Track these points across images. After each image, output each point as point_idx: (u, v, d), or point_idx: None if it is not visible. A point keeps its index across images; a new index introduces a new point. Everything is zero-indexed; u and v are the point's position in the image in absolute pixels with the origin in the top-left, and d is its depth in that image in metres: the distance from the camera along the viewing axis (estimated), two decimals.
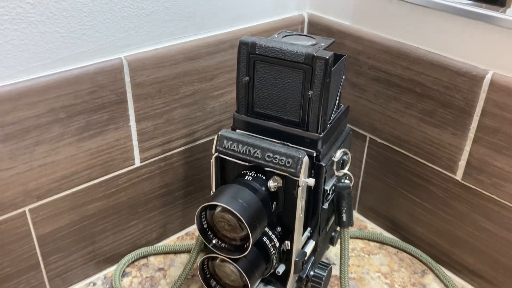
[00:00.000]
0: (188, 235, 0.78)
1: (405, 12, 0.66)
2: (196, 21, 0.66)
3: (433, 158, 0.68)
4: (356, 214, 0.84)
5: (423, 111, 0.67)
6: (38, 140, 0.56)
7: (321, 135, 0.55)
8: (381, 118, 0.73)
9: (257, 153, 0.55)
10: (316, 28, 0.78)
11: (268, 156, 0.54)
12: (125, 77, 0.61)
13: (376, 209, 0.80)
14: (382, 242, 0.77)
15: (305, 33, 0.79)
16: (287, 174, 0.54)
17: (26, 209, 0.58)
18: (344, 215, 0.61)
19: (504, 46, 0.58)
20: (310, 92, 0.53)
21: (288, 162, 0.53)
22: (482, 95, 0.60)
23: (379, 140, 0.75)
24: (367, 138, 0.77)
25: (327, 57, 0.51)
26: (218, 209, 0.51)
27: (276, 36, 0.59)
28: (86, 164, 0.62)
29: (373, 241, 0.78)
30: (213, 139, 0.75)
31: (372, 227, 0.81)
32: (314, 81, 0.53)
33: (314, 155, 0.56)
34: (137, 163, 0.67)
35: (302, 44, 0.55)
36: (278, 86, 0.55)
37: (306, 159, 0.53)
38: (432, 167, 0.69)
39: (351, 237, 0.78)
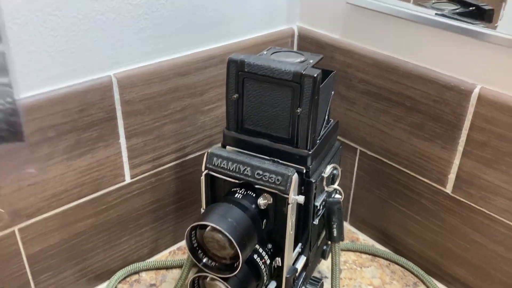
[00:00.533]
0: (180, 250, 0.78)
1: (393, 26, 0.67)
2: (186, 37, 0.66)
3: (423, 171, 0.68)
4: (348, 226, 0.84)
5: (412, 124, 0.67)
6: (27, 159, 0.56)
7: (310, 152, 0.55)
8: (371, 131, 0.73)
9: (247, 171, 0.55)
10: (306, 41, 0.78)
11: (258, 174, 0.54)
12: (115, 94, 0.61)
13: (368, 220, 0.81)
14: (374, 254, 0.77)
15: (295, 46, 0.80)
16: (277, 192, 0.54)
17: (15, 228, 0.58)
18: (334, 230, 0.61)
19: (491, 61, 0.58)
20: (298, 110, 0.53)
21: (278, 180, 0.53)
22: (470, 109, 0.60)
23: (369, 153, 0.75)
24: (358, 151, 0.77)
25: (315, 75, 0.52)
26: (208, 228, 0.51)
27: (265, 52, 0.59)
28: (76, 182, 0.61)
29: (365, 253, 0.78)
30: (204, 153, 0.75)
31: (364, 239, 0.81)
32: (303, 98, 0.53)
33: (304, 171, 0.56)
34: (128, 179, 0.67)
35: (291, 62, 0.55)
36: (267, 103, 0.55)
37: (295, 176, 0.53)
38: (422, 180, 0.69)
39: (343, 250, 0.78)
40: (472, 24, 0.61)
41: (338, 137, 0.73)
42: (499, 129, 0.58)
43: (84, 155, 0.61)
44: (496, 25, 0.59)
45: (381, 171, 0.74)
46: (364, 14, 0.69)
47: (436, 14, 0.65)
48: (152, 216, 0.72)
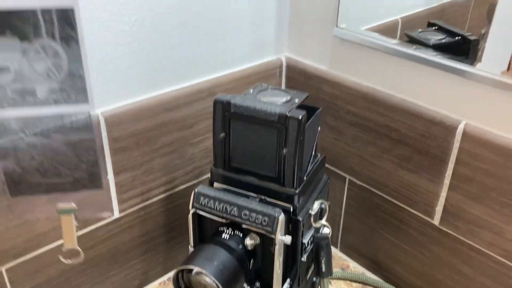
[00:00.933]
0: (170, 280, 0.78)
1: (379, 60, 0.67)
2: (174, 72, 0.66)
3: (411, 202, 0.69)
4: (338, 253, 0.84)
5: (399, 156, 0.68)
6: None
7: (297, 191, 0.56)
8: (359, 161, 0.74)
9: (234, 211, 0.55)
10: (294, 71, 0.79)
11: (245, 214, 0.54)
12: (102, 132, 0.61)
13: (358, 248, 0.81)
14: (364, 283, 0.78)
15: (283, 76, 0.80)
16: (263, 232, 0.54)
17: (3, 269, 0.58)
18: (323, 265, 0.61)
19: (475, 98, 0.59)
20: (284, 150, 0.54)
21: (265, 221, 0.53)
22: (456, 144, 0.61)
23: (358, 182, 0.76)
24: (347, 179, 0.77)
25: (300, 117, 0.52)
26: (194, 272, 0.51)
27: (251, 91, 0.60)
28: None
29: (355, 281, 0.78)
30: (194, 184, 0.76)
31: (354, 266, 0.82)
32: (288, 139, 0.53)
33: (291, 209, 0.56)
34: (116, 214, 0.67)
35: (276, 103, 0.56)
36: (254, 143, 0.56)
37: (282, 217, 0.53)
38: (410, 211, 0.70)
39: (333, 279, 0.78)
40: (453, 60, 0.61)
41: (327, 165, 0.74)
42: (484, 165, 0.58)
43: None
44: (479, 63, 0.60)
45: (370, 200, 0.75)
46: (350, 47, 0.70)
47: (415, 48, 0.66)
48: (141, 248, 0.72)
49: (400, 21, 0.73)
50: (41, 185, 0.46)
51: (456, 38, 0.69)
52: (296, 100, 0.57)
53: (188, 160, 0.73)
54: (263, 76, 0.77)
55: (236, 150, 0.57)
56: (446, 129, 0.61)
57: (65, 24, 0.40)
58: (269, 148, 0.55)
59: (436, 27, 0.72)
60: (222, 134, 0.57)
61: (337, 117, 0.74)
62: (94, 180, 0.47)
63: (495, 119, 0.57)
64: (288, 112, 0.53)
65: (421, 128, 0.64)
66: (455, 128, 0.60)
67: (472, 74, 0.58)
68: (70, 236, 0.50)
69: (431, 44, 0.69)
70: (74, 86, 0.43)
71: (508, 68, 0.60)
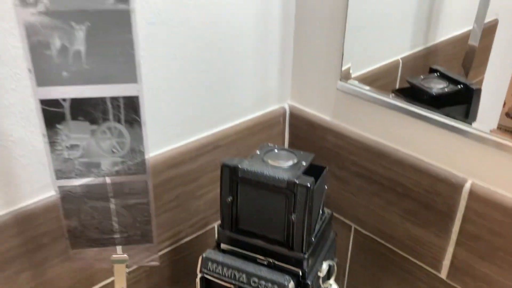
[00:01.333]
0: None
1: (382, 115, 0.68)
2: (178, 130, 0.67)
3: (418, 255, 0.69)
4: None
5: (405, 210, 0.68)
6: (22, 268, 0.55)
7: (306, 255, 0.55)
8: (365, 211, 0.74)
9: (242, 278, 0.54)
10: (297, 119, 0.79)
11: (254, 282, 0.54)
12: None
13: None
14: None
15: (286, 125, 0.80)
16: None
17: None
18: None
19: (478, 156, 0.59)
20: (293, 216, 0.54)
21: None
22: (462, 202, 0.61)
23: (364, 232, 0.75)
24: (352, 228, 0.77)
25: (308, 185, 0.52)
26: None
27: (258, 152, 0.60)
28: (70, 283, 0.61)
29: None
30: (199, 235, 0.75)
31: None
32: (297, 205, 0.53)
33: (300, 273, 0.56)
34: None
35: (283, 166, 0.56)
36: (262, 207, 0.56)
37: (292, 285, 0.53)
38: (417, 263, 0.69)
39: None
40: (451, 118, 0.61)
41: (334, 214, 0.73)
42: (491, 224, 0.58)
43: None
44: (473, 121, 0.60)
45: (376, 250, 0.75)
46: (353, 100, 0.70)
47: (414, 104, 0.66)
48: None
49: (400, 61, 0.74)
50: (98, 240, 0.52)
51: (459, 86, 0.70)
52: (303, 163, 0.57)
53: (193, 212, 0.72)
54: (267, 126, 0.77)
55: (244, 213, 0.57)
56: (452, 186, 0.61)
57: (130, 109, 0.46)
58: (277, 212, 0.55)
59: (438, 73, 0.72)
60: (230, 198, 0.57)
61: (341, 167, 0.74)
62: (145, 235, 0.53)
63: (500, 178, 0.58)
64: (297, 179, 0.53)
65: (426, 184, 0.64)
66: (461, 187, 0.60)
67: (469, 133, 0.59)
68: (121, 282, 0.55)
69: (434, 93, 0.70)
70: (134, 159, 0.49)
71: (499, 127, 0.60)
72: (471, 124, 0.61)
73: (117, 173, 0.49)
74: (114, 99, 0.45)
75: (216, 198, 0.75)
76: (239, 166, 0.55)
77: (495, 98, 0.60)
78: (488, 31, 0.63)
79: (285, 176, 0.53)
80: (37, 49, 0.41)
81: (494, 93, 0.60)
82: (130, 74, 0.44)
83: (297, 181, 0.52)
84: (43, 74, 0.42)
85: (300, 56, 0.76)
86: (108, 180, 0.49)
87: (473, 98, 0.67)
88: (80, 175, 0.48)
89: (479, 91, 0.66)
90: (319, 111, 0.76)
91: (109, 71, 0.43)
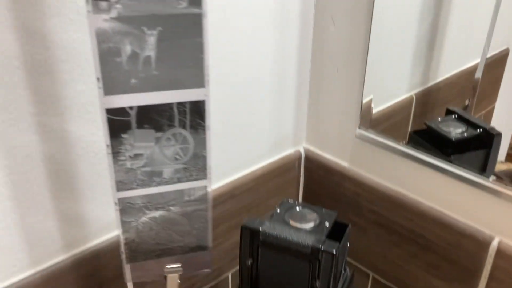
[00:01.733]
0: None
1: (403, 165, 0.66)
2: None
3: None
4: None
5: (427, 262, 0.66)
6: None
7: None
8: (384, 261, 0.72)
9: None
10: (313, 164, 0.77)
11: None
12: None
13: None
14: None
15: (302, 169, 0.78)
16: None
17: None
18: None
19: (503, 213, 0.57)
20: (317, 283, 0.52)
21: None
22: (489, 260, 0.59)
23: (382, 281, 0.73)
24: (370, 276, 0.75)
25: (334, 252, 0.50)
26: None
27: (278, 210, 0.58)
28: None
29: None
30: (213, 285, 0.73)
31: None
32: (321, 272, 0.51)
33: None
34: None
35: (306, 229, 0.54)
36: (283, 271, 0.54)
37: None
38: None
39: None
40: (470, 171, 0.60)
41: (349, 258, 0.71)
42: None
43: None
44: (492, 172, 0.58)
45: None
46: (374, 149, 0.68)
47: (432, 152, 0.64)
48: None
49: (414, 97, 0.72)
50: (154, 251, 0.51)
51: (478, 130, 0.68)
52: (326, 224, 0.55)
53: None
54: (283, 171, 0.75)
55: (264, 276, 0.55)
56: (478, 243, 0.59)
57: (195, 114, 0.45)
58: (300, 278, 0.53)
59: (455, 115, 0.70)
60: (250, 261, 0.55)
61: (359, 214, 0.72)
62: (201, 243, 0.52)
63: None
64: (322, 244, 0.51)
65: (450, 238, 0.62)
66: (488, 244, 0.58)
67: (488, 188, 0.57)
68: None
69: (454, 139, 0.68)
70: (196, 165, 0.48)
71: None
72: (488, 178, 0.59)
73: (179, 180, 0.48)
74: (180, 105, 0.44)
75: (231, 248, 0.73)
76: (260, 229, 0.53)
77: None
78: (499, 61, 0.62)
79: (309, 241, 0.51)
80: (107, 56, 0.40)
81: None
82: (197, 78, 0.43)
83: (322, 248, 0.50)
84: (111, 82, 0.41)
85: (316, 99, 0.74)
86: (169, 188, 0.48)
87: (493, 144, 0.65)
88: (142, 185, 0.46)
89: (499, 136, 0.64)
90: (336, 157, 0.74)
91: (178, 76, 0.42)
